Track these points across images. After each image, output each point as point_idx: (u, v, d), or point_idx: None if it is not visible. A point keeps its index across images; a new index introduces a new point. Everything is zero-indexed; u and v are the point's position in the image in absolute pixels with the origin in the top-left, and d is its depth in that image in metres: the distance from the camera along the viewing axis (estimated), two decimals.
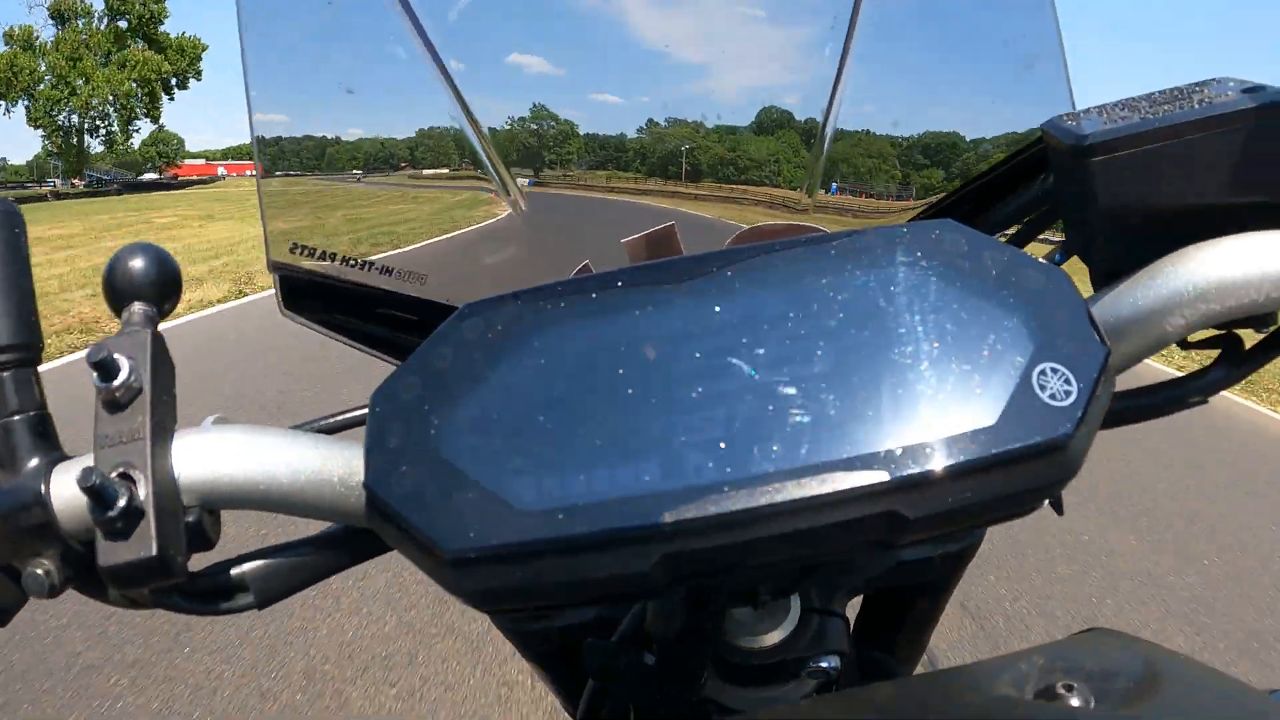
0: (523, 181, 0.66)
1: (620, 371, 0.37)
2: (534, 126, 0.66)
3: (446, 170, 0.65)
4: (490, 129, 0.63)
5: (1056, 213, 0.59)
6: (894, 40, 0.64)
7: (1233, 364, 0.48)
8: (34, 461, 0.41)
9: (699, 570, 0.36)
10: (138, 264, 0.44)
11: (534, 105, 0.65)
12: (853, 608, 0.65)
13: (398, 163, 0.66)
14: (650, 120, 0.67)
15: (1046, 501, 0.40)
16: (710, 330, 0.38)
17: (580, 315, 0.40)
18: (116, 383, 0.39)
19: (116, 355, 0.40)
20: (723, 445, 0.35)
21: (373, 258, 0.62)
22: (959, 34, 0.66)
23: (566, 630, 0.63)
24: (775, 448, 0.35)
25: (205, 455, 0.41)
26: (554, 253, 0.67)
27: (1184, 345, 0.48)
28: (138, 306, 0.44)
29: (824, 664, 0.52)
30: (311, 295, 0.62)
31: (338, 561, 0.47)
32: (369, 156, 0.65)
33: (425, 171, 0.65)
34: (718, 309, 0.39)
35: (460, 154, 0.64)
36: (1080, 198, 0.45)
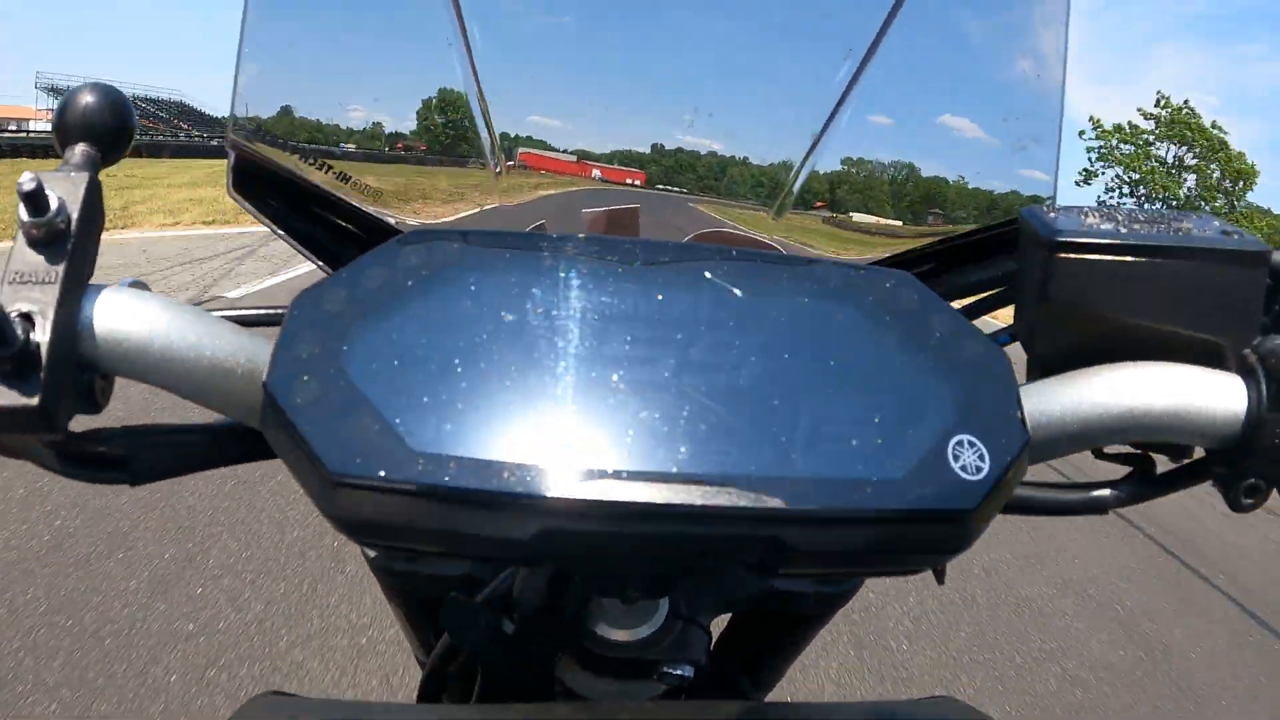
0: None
1: (548, 337, 0.37)
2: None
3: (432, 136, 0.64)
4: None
5: (1012, 295, 0.60)
6: (897, 91, 0.64)
7: (1142, 485, 0.49)
8: None
9: (576, 552, 0.36)
10: (90, 104, 0.42)
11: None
12: (719, 624, 0.66)
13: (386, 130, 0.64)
14: (655, 145, 0.67)
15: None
16: (648, 319, 0.38)
17: (523, 269, 0.39)
18: (42, 219, 0.37)
19: (49, 191, 0.38)
20: (629, 435, 0.35)
21: (333, 163, 0.60)
22: (965, 97, 0.66)
23: (433, 579, 0.62)
24: (681, 449, 0.34)
25: (113, 315, 0.39)
26: (520, 209, 0.66)
27: (1098, 454, 0.49)
28: (81, 147, 0.42)
29: (678, 671, 0.52)
30: (263, 182, 0.60)
31: (219, 456, 0.46)
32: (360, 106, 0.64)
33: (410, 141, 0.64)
34: (661, 299, 0.38)
35: (450, 114, 0.62)
36: (1037, 288, 0.46)
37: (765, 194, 0.67)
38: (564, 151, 0.65)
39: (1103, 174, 38.89)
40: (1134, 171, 37.24)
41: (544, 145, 0.65)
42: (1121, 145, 38.02)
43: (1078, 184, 39.96)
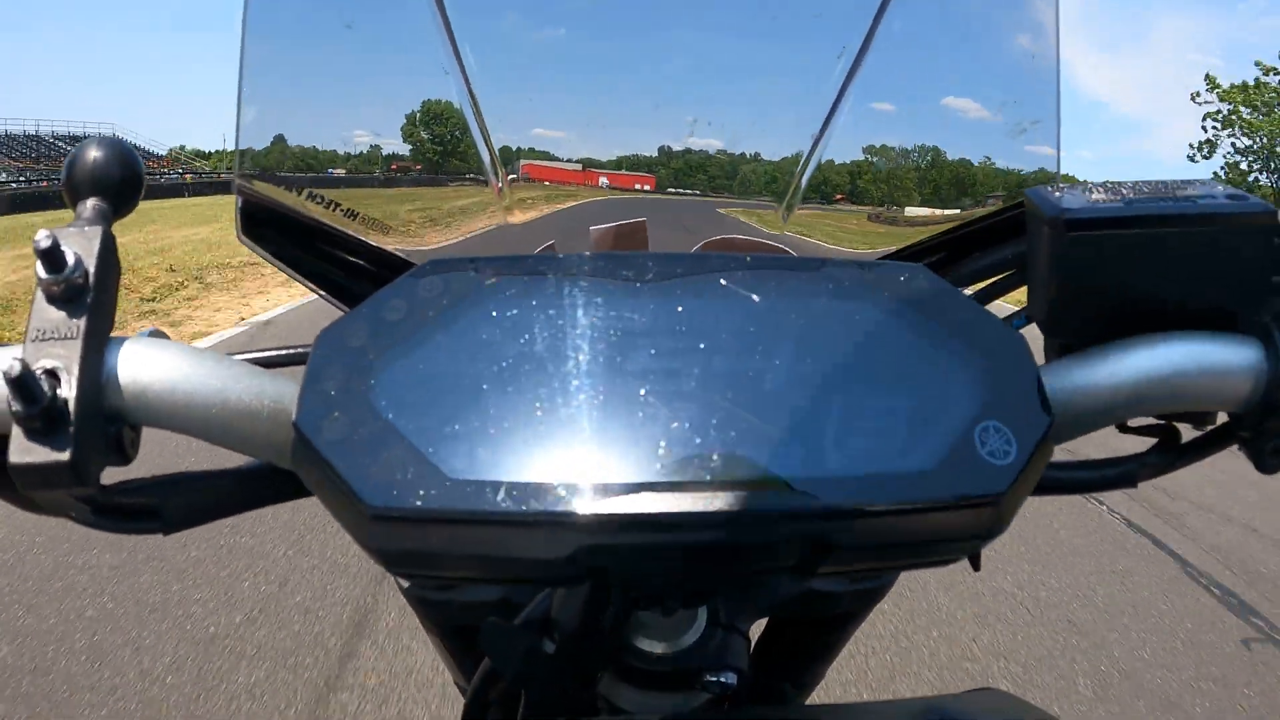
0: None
1: (571, 356, 0.37)
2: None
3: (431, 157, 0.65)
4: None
5: (1024, 277, 0.60)
6: (895, 83, 0.64)
7: (1167, 455, 0.50)
8: None
9: (618, 566, 0.36)
10: (98, 158, 0.43)
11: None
12: (758, 629, 0.66)
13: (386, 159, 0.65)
14: (663, 147, 0.67)
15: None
16: (668, 331, 0.38)
17: (539, 293, 0.39)
18: (60, 275, 0.38)
19: (64, 247, 0.38)
20: (661, 447, 0.35)
21: (340, 199, 0.60)
22: (961, 83, 0.67)
23: (470, 606, 0.62)
24: (714, 458, 0.35)
25: (137, 366, 0.40)
26: (525, 227, 0.66)
27: (1122, 428, 0.49)
28: (92, 202, 0.42)
29: (721, 679, 0.52)
30: (272, 225, 0.61)
31: (253, 498, 0.46)
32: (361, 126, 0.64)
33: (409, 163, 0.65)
34: (679, 310, 0.39)
35: (448, 127, 0.63)
36: (1048, 268, 0.46)
37: (780, 189, 0.67)
38: (568, 161, 0.66)
39: (1224, 143, 33.02)
40: (1263, 136, 31.43)
41: (548, 157, 0.66)
42: (1243, 108, 31.94)
43: (1191, 159, 34.38)
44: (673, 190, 0.69)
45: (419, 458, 0.34)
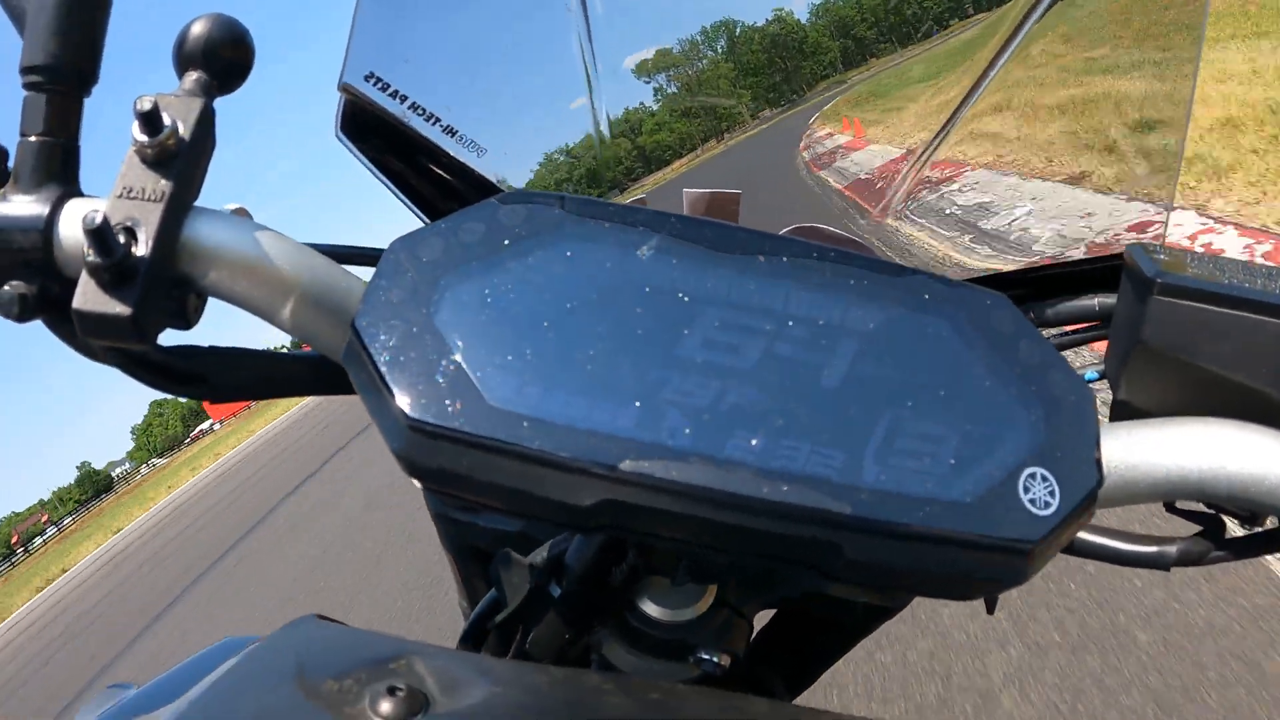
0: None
1: (637, 310, 0.37)
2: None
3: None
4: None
5: (1107, 333, 0.58)
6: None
7: (1208, 547, 0.48)
8: (50, 188, 0.41)
9: (635, 526, 0.36)
10: (208, 31, 0.43)
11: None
12: (762, 618, 0.65)
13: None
14: None
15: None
16: (738, 306, 0.38)
17: (619, 242, 0.39)
18: (155, 139, 0.39)
19: (164, 113, 0.40)
20: (706, 418, 0.35)
21: (441, 114, 0.61)
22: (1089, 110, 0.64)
23: (490, 532, 0.63)
24: (754, 441, 0.34)
25: (212, 237, 0.41)
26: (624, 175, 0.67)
27: (1169, 507, 0.48)
28: (197, 74, 0.43)
29: (715, 659, 0.52)
30: (370, 128, 0.62)
31: (299, 385, 0.47)
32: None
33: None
34: (753, 288, 0.38)
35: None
36: (1131, 327, 0.44)
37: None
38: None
39: None
40: None
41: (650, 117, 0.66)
42: None
43: None
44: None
45: (465, 379, 0.35)
